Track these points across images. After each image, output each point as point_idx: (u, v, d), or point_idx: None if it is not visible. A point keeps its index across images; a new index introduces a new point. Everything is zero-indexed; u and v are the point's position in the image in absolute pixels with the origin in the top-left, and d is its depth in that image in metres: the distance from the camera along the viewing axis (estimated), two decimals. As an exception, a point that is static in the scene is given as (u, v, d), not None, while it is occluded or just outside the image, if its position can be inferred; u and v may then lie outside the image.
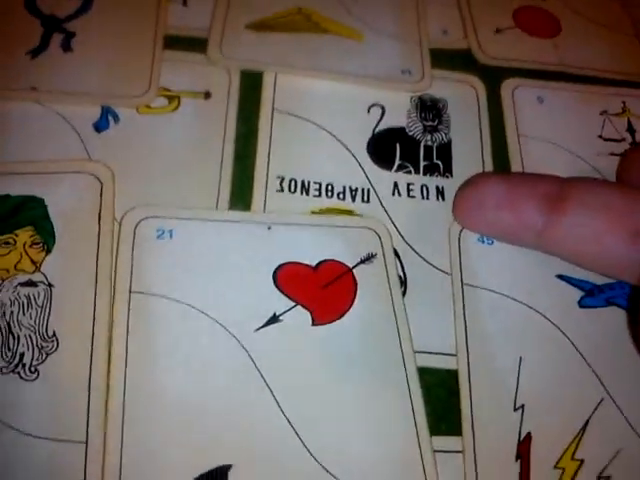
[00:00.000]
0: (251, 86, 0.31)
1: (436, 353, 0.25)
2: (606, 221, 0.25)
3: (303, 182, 0.29)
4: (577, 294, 0.27)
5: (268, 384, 0.24)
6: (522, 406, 0.25)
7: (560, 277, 0.28)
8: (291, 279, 0.26)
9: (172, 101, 0.30)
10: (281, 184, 0.28)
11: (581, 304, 0.27)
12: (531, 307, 0.27)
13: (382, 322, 0.26)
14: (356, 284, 0.26)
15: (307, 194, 0.28)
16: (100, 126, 0.29)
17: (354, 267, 0.27)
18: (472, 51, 0.34)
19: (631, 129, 0.32)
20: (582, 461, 0.24)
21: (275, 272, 0.26)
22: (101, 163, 0.27)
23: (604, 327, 0.27)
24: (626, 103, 0.33)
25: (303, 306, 0.25)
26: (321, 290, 0.26)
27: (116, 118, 0.29)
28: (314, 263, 0.27)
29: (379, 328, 0.25)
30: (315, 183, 0.29)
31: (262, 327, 0.25)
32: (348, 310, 0.26)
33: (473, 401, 0.25)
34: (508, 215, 0.26)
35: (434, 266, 0.27)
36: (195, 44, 0.32)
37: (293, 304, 0.25)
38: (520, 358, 0.26)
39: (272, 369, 0.24)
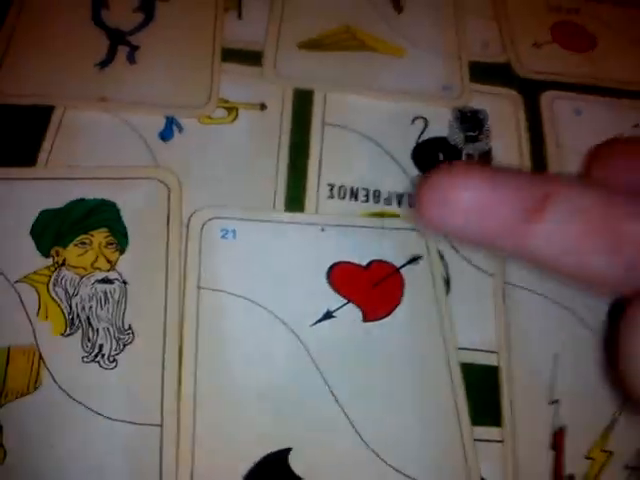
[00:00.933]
0: (303, 100, 0.33)
1: (478, 350, 0.27)
2: (584, 229, 0.26)
3: (352, 188, 0.31)
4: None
5: (322, 374, 0.26)
6: (557, 400, 0.27)
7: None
8: (343, 278, 0.28)
9: (231, 112, 0.32)
10: (331, 191, 0.30)
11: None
12: (567, 308, 0.29)
13: (428, 320, 0.27)
14: (403, 283, 0.28)
15: (356, 199, 0.30)
16: (165, 135, 0.31)
17: (401, 267, 0.29)
18: (511, 64, 0.36)
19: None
20: (611, 453, 0.26)
21: (328, 271, 0.28)
22: (168, 170, 0.30)
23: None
24: (661, 115, 0.35)
25: (355, 304, 0.27)
26: (371, 289, 0.28)
27: (180, 127, 0.31)
28: (364, 263, 0.29)
29: (425, 325, 0.27)
30: (363, 189, 0.31)
31: (317, 322, 0.27)
32: (396, 308, 0.28)
33: (513, 396, 0.27)
34: (483, 221, 0.28)
35: (477, 267, 0.29)
36: (250, 57, 0.34)
37: (345, 301, 0.27)
38: (555, 355, 0.28)
39: (326, 361, 0.26)
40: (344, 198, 0.30)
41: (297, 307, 0.27)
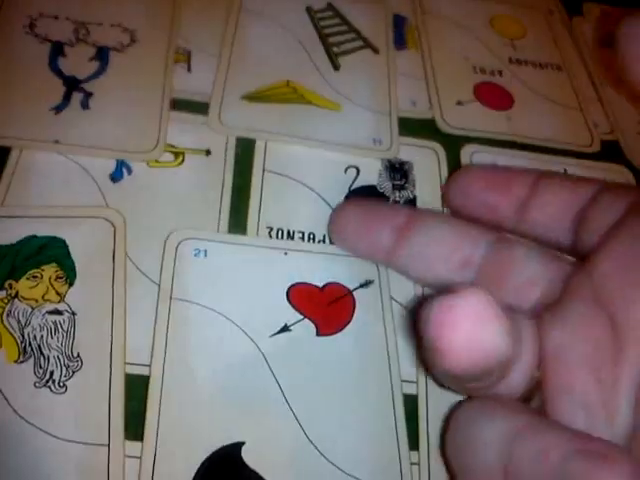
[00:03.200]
0: (245, 148, 0.36)
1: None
2: (439, 252, 0.30)
3: (289, 231, 0.33)
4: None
5: (277, 380, 0.29)
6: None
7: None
8: (301, 296, 0.32)
9: (177, 157, 0.35)
10: (270, 232, 0.33)
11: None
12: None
13: (374, 339, 0.31)
14: (355, 304, 0.32)
15: (292, 240, 0.33)
16: (115, 176, 0.33)
17: (354, 290, 0.32)
18: (436, 120, 0.39)
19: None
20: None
21: (288, 290, 0.31)
22: (114, 209, 0.32)
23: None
24: (567, 170, 0.39)
25: (310, 319, 0.31)
26: (325, 307, 0.31)
27: (129, 170, 0.33)
28: (321, 284, 0.32)
29: (371, 344, 0.31)
30: (299, 232, 0.33)
31: (275, 334, 0.30)
32: (347, 326, 0.31)
33: (430, 422, 0.29)
34: (363, 241, 0.32)
35: (400, 303, 0.32)
36: (197, 107, 0.37)
37: (302, 317, 0.31)
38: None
39: (281, 369, 0.29)
40: (282, 239, 0.33)
41: (258, 320, 0.30)
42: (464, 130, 0.40)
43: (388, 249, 0.31)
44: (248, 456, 0.27)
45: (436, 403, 0.30)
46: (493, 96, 0.42)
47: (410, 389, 0.30)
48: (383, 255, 0.32)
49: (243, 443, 0.27)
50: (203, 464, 0.26)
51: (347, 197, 0.35)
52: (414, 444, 0.29)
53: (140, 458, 0.26)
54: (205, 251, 0.31)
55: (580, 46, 0.47)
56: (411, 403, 0.30)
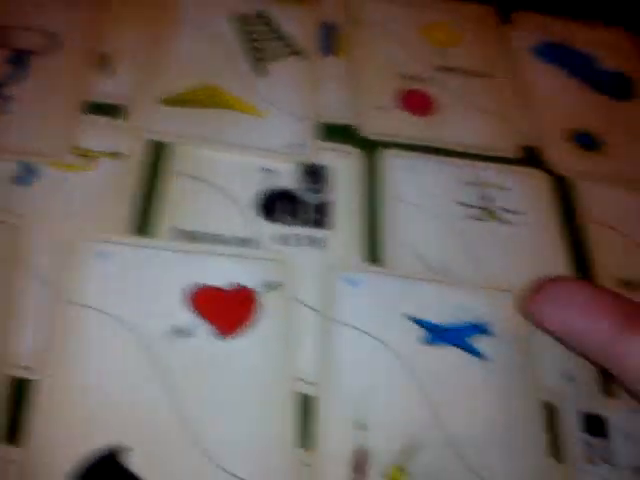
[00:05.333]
0: (156, 152, 0.36)
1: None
2: None
3: (195, 233, 0.33)
4: (422, 332, 0.32)
5: (169, 384, 0.29)
6: (364, 425, 0.29)
7: (411, 319, 0.33)
8: (203, 299, 0.31)
9: (88, 160, 0.35)
10: (176, 235, 0.33)
11: (424, 341, 0.32)
12: (383, 342, 0.32)
13: (276, 341, 0.31)
14: (259, 307, 0.32)
15: (199, 243, 0.33)
16: (21, 180, 0.33)
17: (259, 292, 0.32)
18: (357, 126, 0.40)
19: (486, 197, 0.38)
20: (409, 475, 0.29)
21: (189, 292, 0.31)
22: (16, 213, 0.32)
23: (442, 363, 0.32)
24: (484, 175, 0.39)
25: (209, 322, 0.31)
26: (227, 309, 0.31)
27: (36, 173, 0.34)
28: (225, 286, 0.32)
29: (273, 345, 0.31)
30: (206, 234, 0.34)
31: (171, 337, 0.30)
32: (249, 328, 0.31)
33: (324, 422, 0.29)
34: (582, 319, 0.27)
35: (306, 304, 0.33)
36: (115, 110, 0.37)
37: (201, 320, 0.31)
38: (368, 385, 0.30)
39: (175, 372, 0.29)
40: (187, 242, 0.33)
41: (154, 323, 0.30)
42: (384, 135, 0.40)
43: (608, 338, 0.27)
44: (133, 460, 0.27)
45: (335, 403, 0.30)
46: (416, 103, 0.42)
47: (308, 390, 0.30)
48: (599, 345, 0.27)
49: (125, 447, 0.27)
50: (83, 469, 0.26)
51: (260, 200, 0.35)
52: (308, 444, 0.29)
53: (21, 462, 0.26)
54: (107, 254, 0.32)
55: (509, 54, 0.47)
56: (308, 403, 0.30)
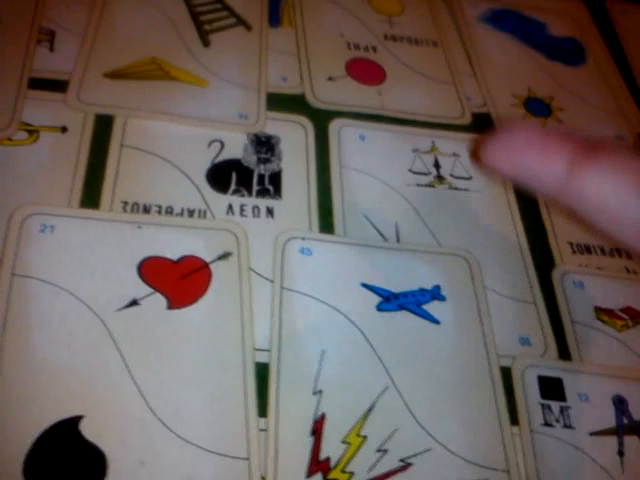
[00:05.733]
0: (103, 125, 0.35)
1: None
2: (635, 177, 0.25)
3: (145, 205, 0.33)
4: (376, 299, 0.32)
5: (122, 354, 0.29)
6: (320, 391, 0.29)
7: (364, 285, 0.33)
8: (153, 270, 0.31)
9: (32, 135, 0.34)
10: (124, 207, 0.33)
11: (378, 308, 0.32)
12: (336, 309, 0.32)
13: (229, 310, 0.31)
14: (211, 277, 0.31)
15: (148, 214, 0.33)
16: (-36, 155, 0.32)
17: (211, 262, 0.32)
18: (305, 96, 0.39)
19: (437, 164, 0.38)
20: (365, 437, 0.29)
21: (140, 264, 0.31)
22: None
23: (395, 328, 0.32)
24: (435, 142, 0.39)
25: (161, 293, 0.31)
26: (179, 280, 0.31)
27: (-21, 148, 0.33)
28: (176, 257, 0.32)
29: (226, 314, 0.31)
30: (156, 206, 0.33)
31: (122, 309, 0.30)
32: (201, 298, 0.31)
33: (280, 388, 0.29)
34: (535, 159, 0.27)
35: (258, 273, 0.32)
36: (57, 85, 0.36)
37: (152, 291, 0.30)
38: (323, 351, 0.30)
39: (127, 343, 0.29)
40: (137, 213, 0.33)
41: (105, 295, 0.30)
42: (334, 105, 0.40)
43: (563, 175, 0.26)
44: (87, 430, 0.27)
45: (287, 370, 0.30)
46: (365, 72, 0.42)
47: (263, 358, 0.30)
48: (555, 182, 0.26)
49: (81, 417, 0.27)
50: (38, 439, 0.26)
51: (209, 170, 0.35)
52: (263, 411, 0.29)
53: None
54: (52, 226, 0.31)
55: (458, 22, 0.47)
56: (263, 370, 0.30)
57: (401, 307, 0.32)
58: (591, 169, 0.25)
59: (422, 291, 0.33)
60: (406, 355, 0.31)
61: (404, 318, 0.32)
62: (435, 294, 0.33)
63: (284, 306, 0.31)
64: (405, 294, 0.33)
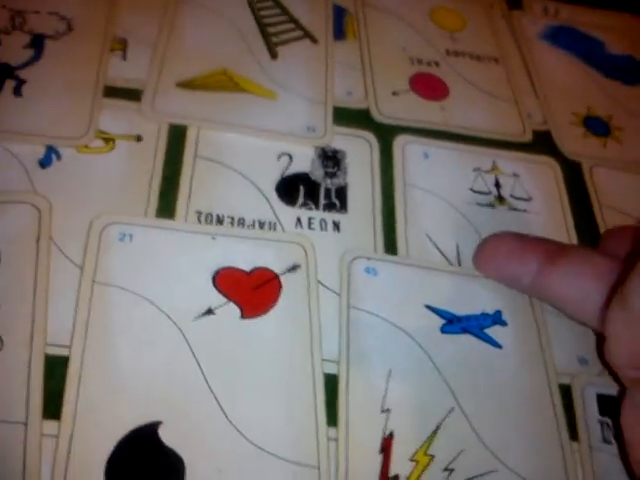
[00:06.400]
0: (177, 135, 0.36)
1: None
2: (590, 274, 0.31)
3: (218, 216, 0.34)
4: (440, 321, 0.33)
5: (199, 362, 0.29)
6: (388, 409, 0.30)
7: (428, 307, 0.33)
8: (227, 280, 0.32)
9: (108, 143, 0.35)
10: (199, 217, 0.34)
11: (442, 330, 0.33)
12: (402, 329, 0.32)
13: (299, 321, 0.32)
14: (281, 288, 0.32)
15: (221, 225, 0.34)
16: (44, 162, 0.33)
17: (281, 274, 0.33)
18: (370, 110, 0.40)
19: (497, 184, 0.39)
20: (433, 456, 0.29)
21: (215, 274, 0.32)
22: (40, 195, 0.32)
23: (459, 350, 0.32)
24: (495, 161, 0.40)
25: (235, 303, 0.31)
26: (251, 291, 0.32)
27: (58, 156, 0.34)
28: (248, 269, 0.32)
29: (295, 326, 0.31)
30: (229, 217, 0.34)
31: (199, 317, 0.31)
32: (272, 309, 0.32)
33: (349, 402, 0.30)
34: (514, 264, 0.33)
35: (325, 286, 0.33)
36: (131, 94, 0.37)
37: (226, 301, 0.31)
38: (390, 370, 0.31)
39: (203, 351, 0.30)
40: (210, 224, 0.34)
41: (182, 304, 0.31)
42: (398, 120, 0.40)
43: (534, 272, 0.32)
44: (166, 435, 0.27)
45: (355, 386, 0.30)
46: (428, 87, 0.42)
47: (330, 369, 0.31)
48: (529, 279, 0.33)
49: (160, 422, 0.28)
50: (119, 443, 0.27)
51: (279, 183, 0.36)
52: (333, 421, 0.29)
53: (57, 437, 0.26)
54: (131, 235, 0.32)
55: (518, 39, 0.47)
56: (332, 382, 0.30)
57: (464, 330, 0.33)
58: (555, 270, 0.32)
59: (484, 315, 0.34)
60: (470, 377, 0.32)
61: (467, 341, 0.33)
62: (496, 319, 0.34)
63: (351, 323, 0.32)
64: (468, 317, 0.33)
